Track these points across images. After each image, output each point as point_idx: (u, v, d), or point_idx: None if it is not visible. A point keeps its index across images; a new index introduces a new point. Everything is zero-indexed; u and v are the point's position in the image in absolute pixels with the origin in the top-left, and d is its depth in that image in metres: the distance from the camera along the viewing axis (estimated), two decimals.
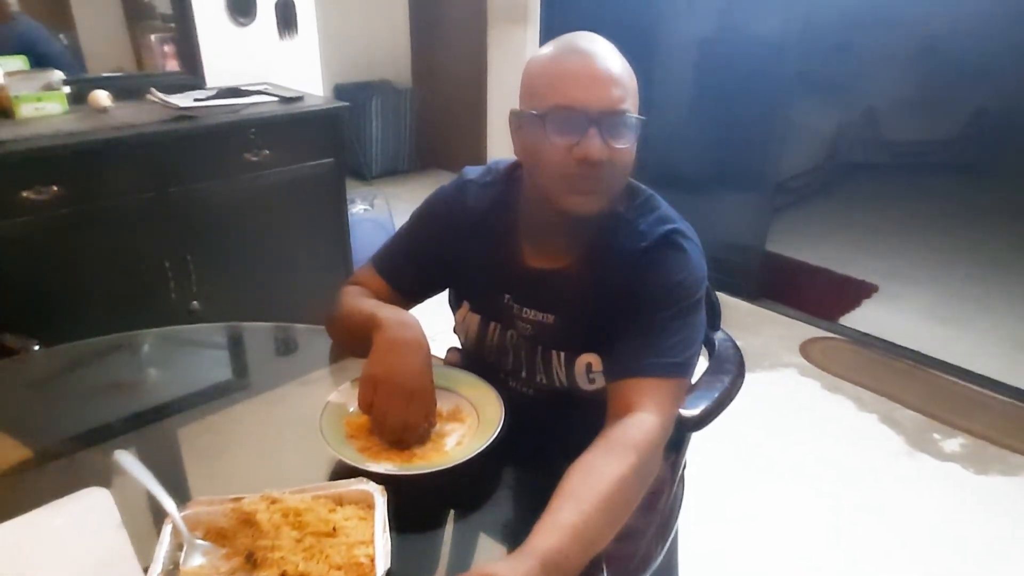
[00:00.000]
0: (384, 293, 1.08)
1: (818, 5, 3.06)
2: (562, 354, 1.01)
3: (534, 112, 0.89)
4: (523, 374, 1.07)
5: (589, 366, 1.00)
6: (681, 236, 0.95)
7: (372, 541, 0.72)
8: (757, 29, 2.97)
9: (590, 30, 0.92)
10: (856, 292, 3.25)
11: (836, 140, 4.49)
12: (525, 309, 1.03)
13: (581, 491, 0.73)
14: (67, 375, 1.22)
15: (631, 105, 0.88)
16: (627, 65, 0.90)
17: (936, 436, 2.27)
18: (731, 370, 1.21)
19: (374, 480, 0.79)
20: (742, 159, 3.21)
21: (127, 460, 0.80)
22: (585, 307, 0.98)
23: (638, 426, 0.83)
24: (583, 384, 1.02)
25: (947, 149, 4.79)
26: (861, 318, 3.03)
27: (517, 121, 0.94)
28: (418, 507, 0.85)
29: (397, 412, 0.87)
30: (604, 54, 0.87)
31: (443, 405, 0.97)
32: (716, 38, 3.25)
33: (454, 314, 1.14)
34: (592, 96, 0.85)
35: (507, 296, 1.04)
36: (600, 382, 1.00)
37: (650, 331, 0.90)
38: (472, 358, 1.14)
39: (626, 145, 0.88)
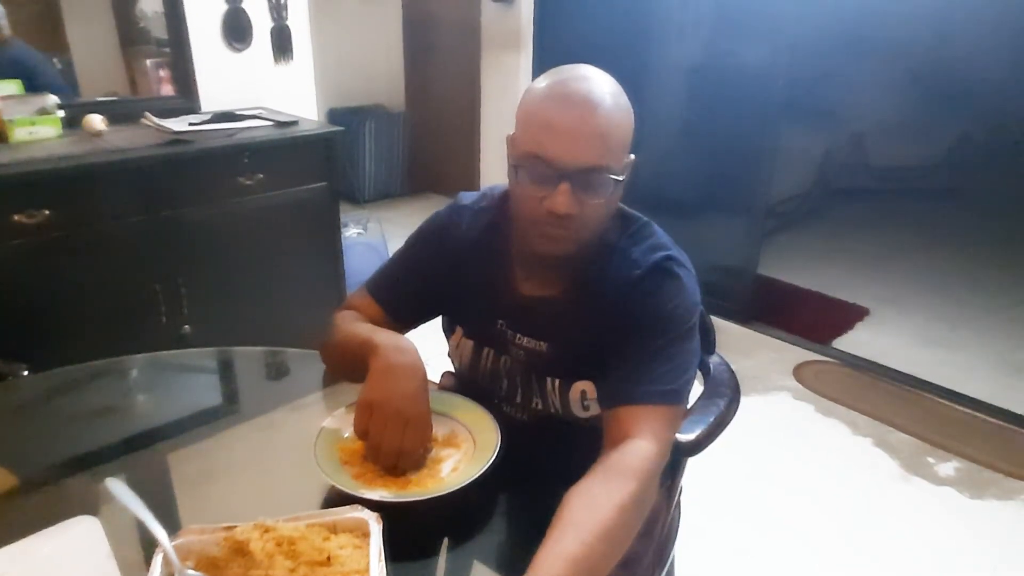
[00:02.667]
0: (378, 318, 1.07)
1: (805, 33, 3.12)
2: (557, 381, 1.00)
3: (511, 159, 0.90)
4: (517, 399, 1.06)
5: (584, 394, 0.99)
6: (674, 263, 0.95)
7: (367, 570, 0.70)
8: (746, 56, 3.02)
9: (582, 57, 0.92)
10: (848, 315, 3.27)
11: (825, 165, 4.54)
12: (519, 336, 1.02)
13: (581, 520, 0.73)
14: (56, 400, 1.20)
15: (613, 159, 0.86)
16: (621, 106, 0.87)
17: (930, 460, 2.27)
18: (726, 394, 1.21)
19: (369, 507, 0.78)
20: (732, 184, 3.23)
21: (118, 488, 0.78)
22: (578, 336, 0.98)
23: (635, 453, 0.82)
24: (577, 411, 1.01)
25: (933, 174, 4.85)
26: (853, 341, 3.04)
27: (508, 150, 0.94)
28: (413, 534, 0.84)
29: (393, 438, 0.86)
30: (593, 104, 0.84)
31: (439, 430, 0.96)
32: (706, 65, 3.29)
33: (448, 339, 1.14)
34: (568, 152, 0.83)
35: (500, 322, 1.04)
36: (595, 410, 1.00)
37: (644, 358, 0.90)
38: (466, 383, 1.13)
39: (600, 200, 0.87)
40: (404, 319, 1.09)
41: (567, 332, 0.99)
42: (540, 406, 1.04)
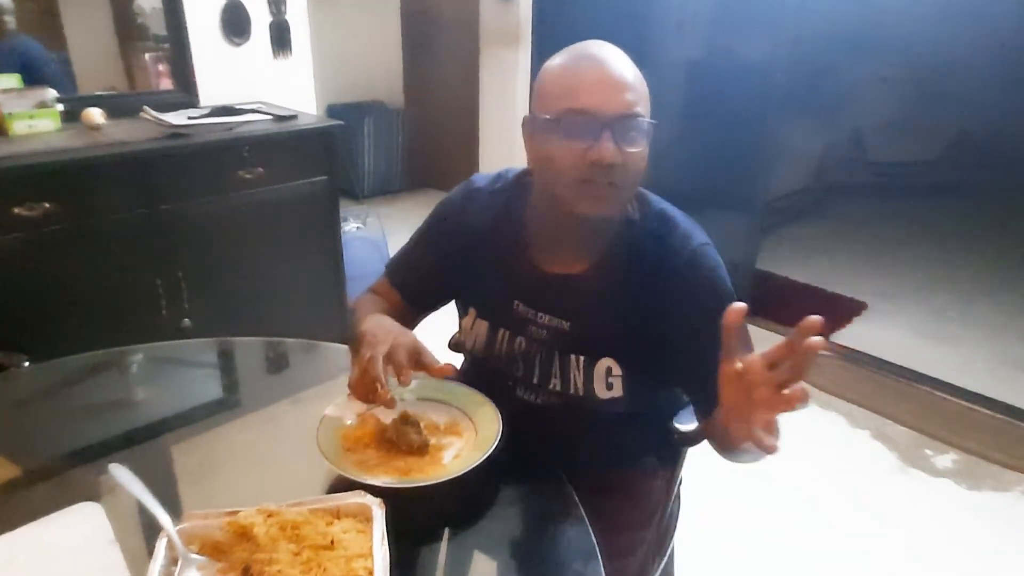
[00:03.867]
0: (395, 303, 1.09)
1: (805, 29, 3.12)
2: (582, 358, 0.99)
3: (548, 117, 0.89)
4: (534, 380, 1.04)
5: (609, 370, 0.98)
6: (711, 248, 0.97)
7: (370, 554, 0.71)
8: (745, 52, 3.02)
9: None
10: (846, 310, 3.28)
11: (824, 161, 4.55)
12: (540, 314, 1.02)
13: None
14: (57, 391, 1.20)
15: (643, 109, 0.89)
16: (638, 71, 0.91)
17: (928, 452, 2.28)
18: None
19: (371, 493, 0.79)
20: (731, 179, 3.24)
21: (122, 474, 0.79)
22: (604, 313, 0.98)
23: None
24: (600, 390, 0.99)
25: (932, 170, 4.86)
26: (852, 335, 3.05)
27: (531, 127, 0.94)
28: (416, 521, 0.84)
29: (384, 344, 0.87)
30: (616, 60, 0.89)
31: (441, 419, 0.97)
32: (705, 61, 3.30)
33: (460, 321, 1.13)
34: (605, 100, 0.86)
35: (517, 303, 1.03)
36: (618, 388, 0.99)
37: None
38: (479, 366, 1.11)
39: (638, 149, 0.88)
40: (420, 302, 1.11)
41: (592, 310, 0.99)
42: (559, 387, 1.02)
